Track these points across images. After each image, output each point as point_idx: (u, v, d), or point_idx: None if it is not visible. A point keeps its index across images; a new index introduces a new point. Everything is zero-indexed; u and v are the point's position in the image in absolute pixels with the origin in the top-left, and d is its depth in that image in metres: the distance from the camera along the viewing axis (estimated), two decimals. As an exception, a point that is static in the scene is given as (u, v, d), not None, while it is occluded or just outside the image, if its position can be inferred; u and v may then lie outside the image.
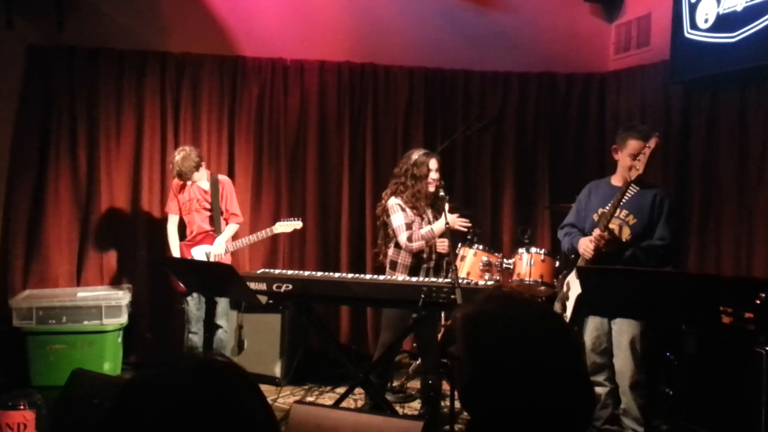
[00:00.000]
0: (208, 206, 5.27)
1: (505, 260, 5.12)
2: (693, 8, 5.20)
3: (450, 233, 4.29)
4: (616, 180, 4.31)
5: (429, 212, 4.67)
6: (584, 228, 4.33)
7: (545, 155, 6.36)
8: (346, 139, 6.15)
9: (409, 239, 4.49)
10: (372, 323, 6.01)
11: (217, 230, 5.25)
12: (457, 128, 6.01)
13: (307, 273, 4.57)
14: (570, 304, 4.20)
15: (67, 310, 5.32)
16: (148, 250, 5.82)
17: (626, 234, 4.15)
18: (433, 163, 4.58)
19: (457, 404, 3.66)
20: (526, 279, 4.95)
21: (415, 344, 5.50)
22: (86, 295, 5.46)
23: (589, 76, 6.42)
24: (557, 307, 4.31)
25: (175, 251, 5.29)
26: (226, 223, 5.32)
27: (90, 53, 5.81)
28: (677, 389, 4.43)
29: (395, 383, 5.30)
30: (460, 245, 5.15)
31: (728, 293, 4.01)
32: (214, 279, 4.05)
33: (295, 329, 5.58)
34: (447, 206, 4.38)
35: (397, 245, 4.58)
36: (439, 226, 4.47)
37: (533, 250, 5.04)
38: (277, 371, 5.37)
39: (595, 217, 4.24)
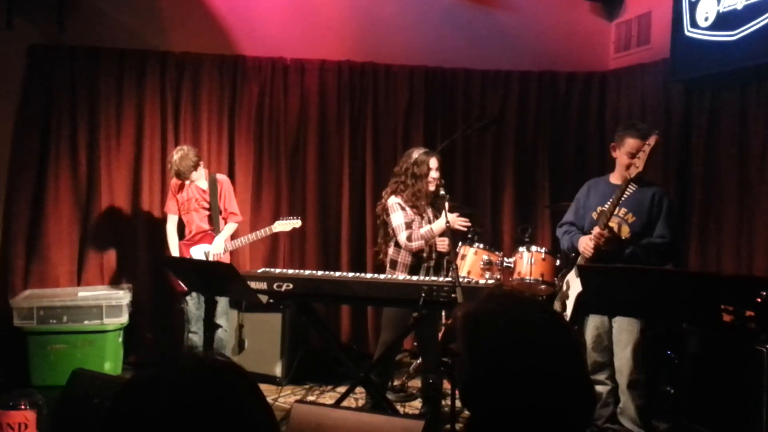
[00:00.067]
0: (206, 206, 5.27)
1: (505, 259, 5.11)
2: (693, 6, 5.20)
3: (450, 232, 4.29)
4: (614, 178, 4.31)
5: (429, 211, 4.67)
6: (583, 226, 4.33)
7: (545, 154, 6.36)
8: (347, 138, 6.15)
9: (409, 239, 4.49)
10: (372, 322, 6.01)
11: (215, 229, 5.26)
12: (458, 127, 6.01)
13: (307, 272, 4.57)
14: (570, 303, 4.20)
15: (68, 310, 5.32)
16: (148, 249, 5.82)
17: (625, 232, 4.15)
18: (433, 162, 4.57)
19: (458, 403, 3.65)
20: (527, 278, 4.94)
21: (415, 343, 5.50)
22: (87, 294, 5.47)
23: (590, 74, 6.42)
24: (557, 305, 4.31)
25: (174, 251, 5.30)
26: (225, 223, 5.32)
27: (90, 53, 5.81)
28: (678, 388, 4.43)
29: (396, 382, 5.30)
30: (460, 244, 5.14)
31: (729, 291, 4.00)
32: (215, 278, 4.05)
33: (296, 328, 5.58)
34: (447, 205, 4.38)
35: (398, 244, 4.58)
36: (438, 225, 4.46)
37: (534, 248, 5.04)
38: (278, 371, 5.37)
39: (594, 216, 4.24)
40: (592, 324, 4.30)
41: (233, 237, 5.40)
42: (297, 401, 3.14)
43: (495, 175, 6.33)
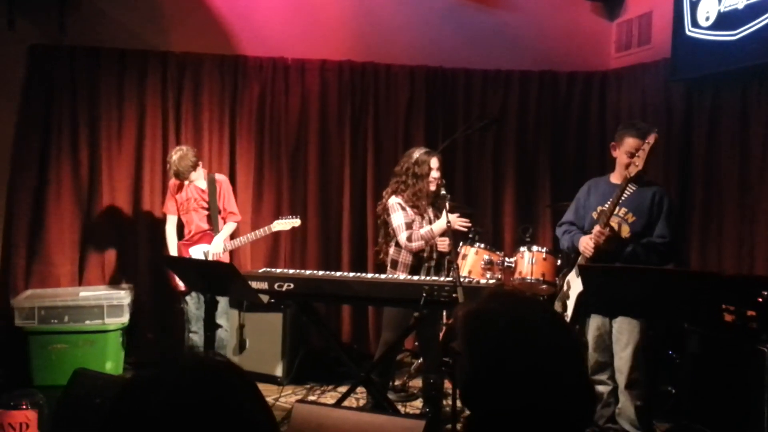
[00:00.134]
0: (205, 205, 5.28)
1: (506, 259, 5.11)
2: (694, 6, 5.19)
3: (451, 232, 4.29)
4: (615, 178, 4.31)
5: (430, 211, 4.67)
6: (583, 226, 4.33)
7: (546, 154, 6.36)
8: (347, 138, 6.15)
9: (409, 239, 4.49)
10: (373, 322, 6.01)
11: (215, 229, 5.26)
12: (458, 127, 6.00)
13: (308, 272, 4.57)
14: (570, 303, 4.20)
15: (69, 310, 5.32)
16: (149, 249, 5.83)
17: (625, 232, 4.14)
18: (434, 162, 4.57)
19: (459, 403, 3.65)
20: (528, 277, 4.95)
21: (416, 343, 5.50)
22: (88, 294, 5.47)
23: (590, 74, 6.42)
24: (557, 306, 4.30)
25: (174, 251, 5.30)
26: (224, 222, 5.32)
27: (91, 53, 5.81)
28: (679, 388, 4.43)
29: (397, 382, 5.30)
30: (461, 244, 5.15)
31: (730, 291, 4.01)
32: (216, 278, 4.05)
33: (297, 328, 5.58)
34: (448, 205, 4.37)
35: (398, 244, 4.58)
36: (439, 225, 4.46)
37: (535, 248, 5.04)
38: (279, 370, 5.37)
39: (595, 215, 4.24)
40: (594, 324, 4.30)
41: (233, 236, 5.40)
42: (298, 401, 3.14)
43: (496, 175, 6.33)
